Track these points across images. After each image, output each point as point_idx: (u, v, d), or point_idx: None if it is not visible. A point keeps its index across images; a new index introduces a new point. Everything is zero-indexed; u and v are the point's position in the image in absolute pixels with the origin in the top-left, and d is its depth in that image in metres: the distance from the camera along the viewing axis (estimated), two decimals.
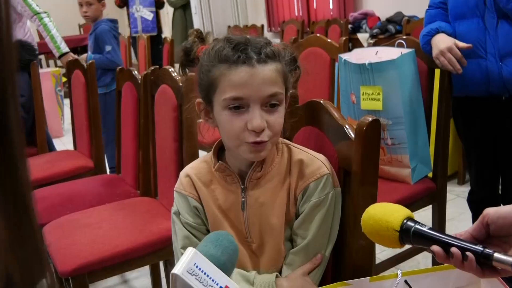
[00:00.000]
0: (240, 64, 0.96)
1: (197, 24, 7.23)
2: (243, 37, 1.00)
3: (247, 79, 0.96)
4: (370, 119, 1.00)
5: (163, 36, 5.99)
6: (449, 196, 2.34)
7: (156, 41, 5.59)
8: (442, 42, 1.77)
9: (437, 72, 1.93)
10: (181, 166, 1.72)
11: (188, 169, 1.14)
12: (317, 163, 1.07)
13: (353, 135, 1.05)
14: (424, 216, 2.12)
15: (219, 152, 1.12)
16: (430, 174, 2.00)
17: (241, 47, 0.97)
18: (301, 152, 1.10)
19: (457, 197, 2.89)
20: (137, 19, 6.12)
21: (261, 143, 0.99)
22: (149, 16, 6.08)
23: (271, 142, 1.02)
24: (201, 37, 1.12)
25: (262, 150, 1.00)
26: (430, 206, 2.00)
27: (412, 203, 1.89)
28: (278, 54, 1.01)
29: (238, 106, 0.97)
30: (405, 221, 0.80)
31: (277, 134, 1.02)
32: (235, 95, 0.96)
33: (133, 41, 5.68)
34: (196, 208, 1.10)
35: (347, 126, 1.08)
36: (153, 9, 6.30)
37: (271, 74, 0.98)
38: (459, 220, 2.61)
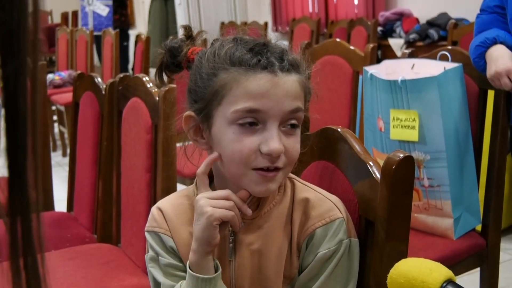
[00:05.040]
0: (260, 69, 0.99)
1: (181, 18, 7.31)
2: (259, 39, 1.04)
3: (268, 88, 0.99)
4: (402, 155, 1.02)
5: (134, 32, 6.04)
6: (503, 256, 2.34)
7: (119, 37, 5.64)
8: (500, 58, 1.80)
9: (491, 94, 1.96)
10: (153, 204, 1.72)
11: (162, 202, 1.16)
12: (328, 204, 1.08)
13: (378, 175, 1.07)
14: (470, 282, 2.12)
15: None
16: (479, 227, 2.01)
17: (261, 49, 1.01)
18: (307, 189, 1.12)
19: None
20: (88, 14, 6.16)
21: (274, 170, 1.01)
22: (103, 11, 6.13)
23: (284, 173, 1.04)
24: (191, 36, 1.14)
25: (273, 181, 1.02)
26: (478, 269, 2.00)
27: (454, 265, 1.89)
28: (300, 65, 1.05)
29: (252, 121, 0.99)
30: (444, 284, 0.81)
31: (292, 163, 1.05)
32: (252, 107, 0.99)
33: (96, 40, 5.73)
34: (173, 249, 1.11)
35: (371, 163, 1.09)
36: (109, 2, 6.33)
37: (295, 86, 1.02)
38: None
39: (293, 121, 1.02)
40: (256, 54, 1.00)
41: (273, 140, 0.98)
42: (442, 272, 0.82)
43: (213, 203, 1.01)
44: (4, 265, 0.41)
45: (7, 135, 0.39)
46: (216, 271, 1.04)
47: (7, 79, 0.38)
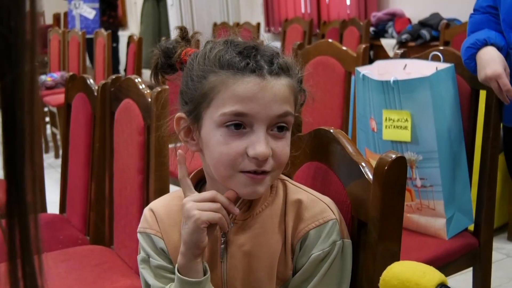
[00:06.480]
0: (248, 72, 0.99)
1: (173, 19, 7.30)
2: (249, 42, 1.04)
3: (256, 92, 0.99)
4: (394, 156, 1.02)
5: (127, 32, 6.03)
6: (495, 256, 2.35)
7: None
8: (491, 62, 1.81)
9: (483, 94, 1.96)
10: (145, 205, 1.72)
11: (155, 204, 1.17)
12: (320, 205, 1.08)
13: (371, 176, 1.07)
14: (463, 281, 2.13)
15: (197, 186, 1.14)
16: (471, 227, 2.01)
17: (250, 53, 1.01)
18: (300, 191, 1.12)
19: (506, 257, 2.89)
20: (75, 17, 6.16)
21: (262, 174, 1.01)
22: (90, 14, 6.13)
23: (272, 176, 1.04)
24: (185, 37, 1.14)
25: (261, 183, 1.02)
26: (471, 269, 2.01)
27: (447, 264, 1.89)
28: (291, 68, 1.05)
29: (239, 124, 0.99)
30: (438, 287, 0.81)
31: (281, 167, 1.05)
32: (239, 110, 0.99)
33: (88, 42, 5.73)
34: (164, 251, 1.11)
35: (363, 164, 1.09)
36: (96, 5, 6.32)
37: (284, 90, 1.01)
38: (509, 287, 2.61)
39: (282, 125, 1.02)
40: (245, 57, 1.00)
41: (259, 144, 0.98)
42: (435, 275, 0.83)
43: (199, 206, 1.01)
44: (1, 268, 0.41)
45: (5, 145, 0.39)
46: (205, 274, 1.04)
47: (4, 89, 0.37)
